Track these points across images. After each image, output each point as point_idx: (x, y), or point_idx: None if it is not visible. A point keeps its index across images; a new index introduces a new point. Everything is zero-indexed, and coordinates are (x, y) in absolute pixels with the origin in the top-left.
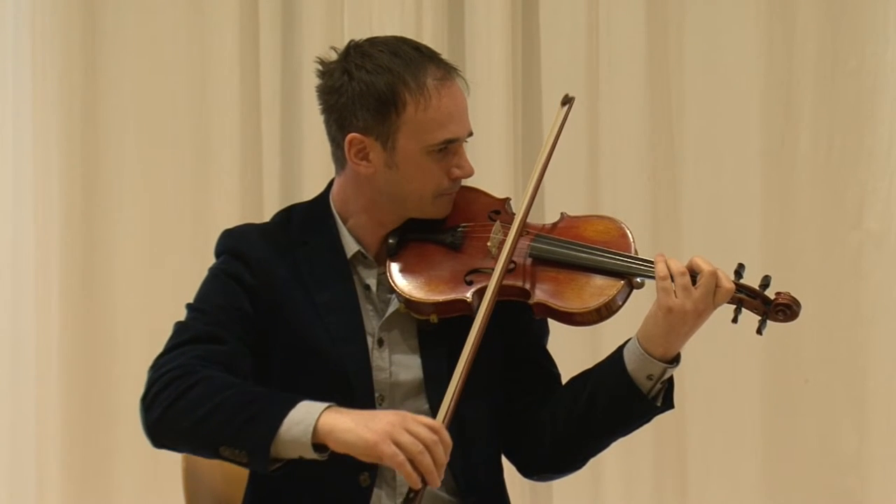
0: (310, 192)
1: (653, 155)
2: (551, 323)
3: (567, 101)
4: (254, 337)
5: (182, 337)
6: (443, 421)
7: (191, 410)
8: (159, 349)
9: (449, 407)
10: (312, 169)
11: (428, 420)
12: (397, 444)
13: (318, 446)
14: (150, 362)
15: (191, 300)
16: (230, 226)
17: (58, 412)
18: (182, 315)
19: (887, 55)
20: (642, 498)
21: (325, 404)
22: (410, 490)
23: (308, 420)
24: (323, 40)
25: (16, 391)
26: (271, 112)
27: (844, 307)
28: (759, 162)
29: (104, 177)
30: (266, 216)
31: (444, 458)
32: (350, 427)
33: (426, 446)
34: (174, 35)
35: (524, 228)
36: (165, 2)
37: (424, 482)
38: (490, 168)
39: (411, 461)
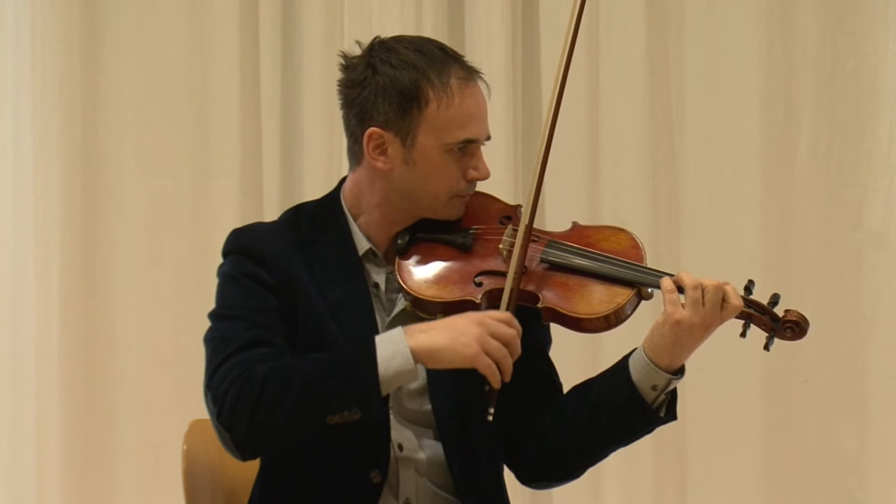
0: (310, 192)
1: (653, 155)
2: (554, 331)
3: None
4: (288, 332)
5: (226, 350)
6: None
7: (279, 403)
8: (160, 350)
9: (511, 296)
10: (312, 169)
11: (503, 316)
12: (488, 353)
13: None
14: (150, 362)
15: (190, 301)
16: (230, 226)
17: (58, 412)
18: (182, 315)
19: (887, 55)
20: (643, 497)
21: (398, 330)
22: (487, 388)
23: (401, 350)
24: (323, 40)
25: (16, 391)
26: (271, 112)
27: (844, 307)
28: (759, 162)
29: (104, 177)
30: (266, 216)
31: (519, 349)
32: (444, 345)
33: (508, 345)
34: (174, 35)
35: (536, 234)
36: (165, 2)
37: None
38: (489, 168)
39: (497, 364)
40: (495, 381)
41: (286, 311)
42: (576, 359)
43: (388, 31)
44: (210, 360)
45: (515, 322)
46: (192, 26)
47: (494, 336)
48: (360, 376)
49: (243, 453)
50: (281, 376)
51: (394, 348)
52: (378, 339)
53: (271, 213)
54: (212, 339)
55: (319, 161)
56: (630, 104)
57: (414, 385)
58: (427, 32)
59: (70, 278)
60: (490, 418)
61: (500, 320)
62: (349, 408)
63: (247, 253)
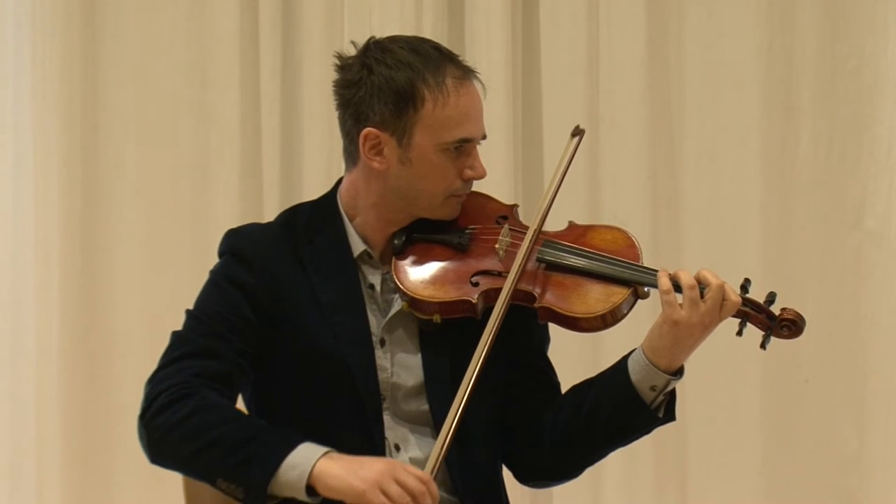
0: (310, 192)
1: (653, 155)
2: (553, 331)
3: (577, 132)
4: (255, 342)
5: (178, 351)
6: (440, 452)
7: (189, 440)
8: (160, 350)
9: (448, 435)
10: (312, 169)
11: (417, 471)
12: (385, 494)
13: (311, 489)
14: (150, 363)
15: (191, 302)
16: (230, 226)
17: (58, 412)
18: (181, 315)
19: (887, 55)
20: (643, 497)
21: (324, 450)
22: None
23: (305, 465)
24: (323, 40)
25: (16, 391)
26: (271, 112)
27: (845, 307)
28: (759, 162)
29: (104, 177)
30: (266, 216)
31: None
32: (340, 475)
33: (413, 497)
34: (174, 35)
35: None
36: (165, 2)
37: None
38: (489, 168)
39: None
40: None
41: (263, 318)
42: (575, 358)
43: (388, 31)
44: (165, 353)
45: (433, 487)
46: (192, 26)
47: (399, 483)
48: (257, 467)
49: (151, 458)
50: (206, 419)
51: (302, 460)
52: (304, 446)
53: (271, 213)
54: (175, 334)
55: (319, 161)
56: (630, 104)
57: (411, 384)
58: (427, 32)
59: (70, 279)
60: None
61: (415, 475)
62: (236, 484)
63: (236, 255)
